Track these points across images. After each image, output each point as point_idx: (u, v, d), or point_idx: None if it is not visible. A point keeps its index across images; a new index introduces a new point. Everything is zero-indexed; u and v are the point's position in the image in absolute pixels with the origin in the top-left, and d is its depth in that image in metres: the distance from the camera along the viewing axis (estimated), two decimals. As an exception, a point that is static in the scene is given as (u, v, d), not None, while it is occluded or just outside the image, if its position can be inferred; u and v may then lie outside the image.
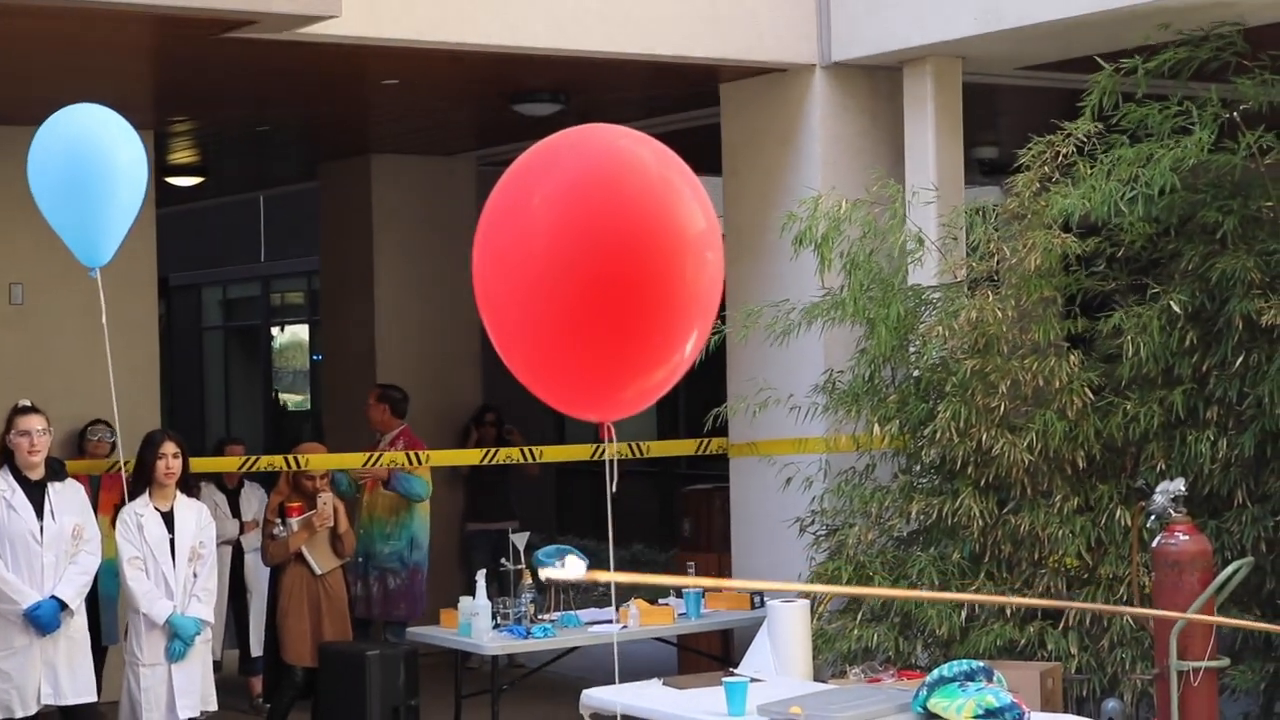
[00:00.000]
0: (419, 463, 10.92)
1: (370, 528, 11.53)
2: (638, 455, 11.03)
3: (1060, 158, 8.91)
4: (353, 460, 11.14)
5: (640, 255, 4.28)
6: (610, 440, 4.58)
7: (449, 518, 13.70)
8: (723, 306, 10.43)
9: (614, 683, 7.56)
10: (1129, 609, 7.98)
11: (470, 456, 11.52)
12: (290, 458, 10.16)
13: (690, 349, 4.47)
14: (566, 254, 4.26)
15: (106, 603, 10.54)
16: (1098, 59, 8.79)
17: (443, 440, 13.48)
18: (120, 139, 7.69)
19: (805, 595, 8.88)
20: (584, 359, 4.38)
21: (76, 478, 9.16)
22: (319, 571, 10.30)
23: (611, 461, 4.75)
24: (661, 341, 4.41)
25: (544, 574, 4.69)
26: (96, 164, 7.56)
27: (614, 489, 4.73)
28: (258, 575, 11.67)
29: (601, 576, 4.26)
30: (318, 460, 10.36)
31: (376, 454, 10.93)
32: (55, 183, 7.62)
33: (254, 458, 10.47)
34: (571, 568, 4.30)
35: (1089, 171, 8.77)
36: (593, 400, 4.55)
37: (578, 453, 11.76)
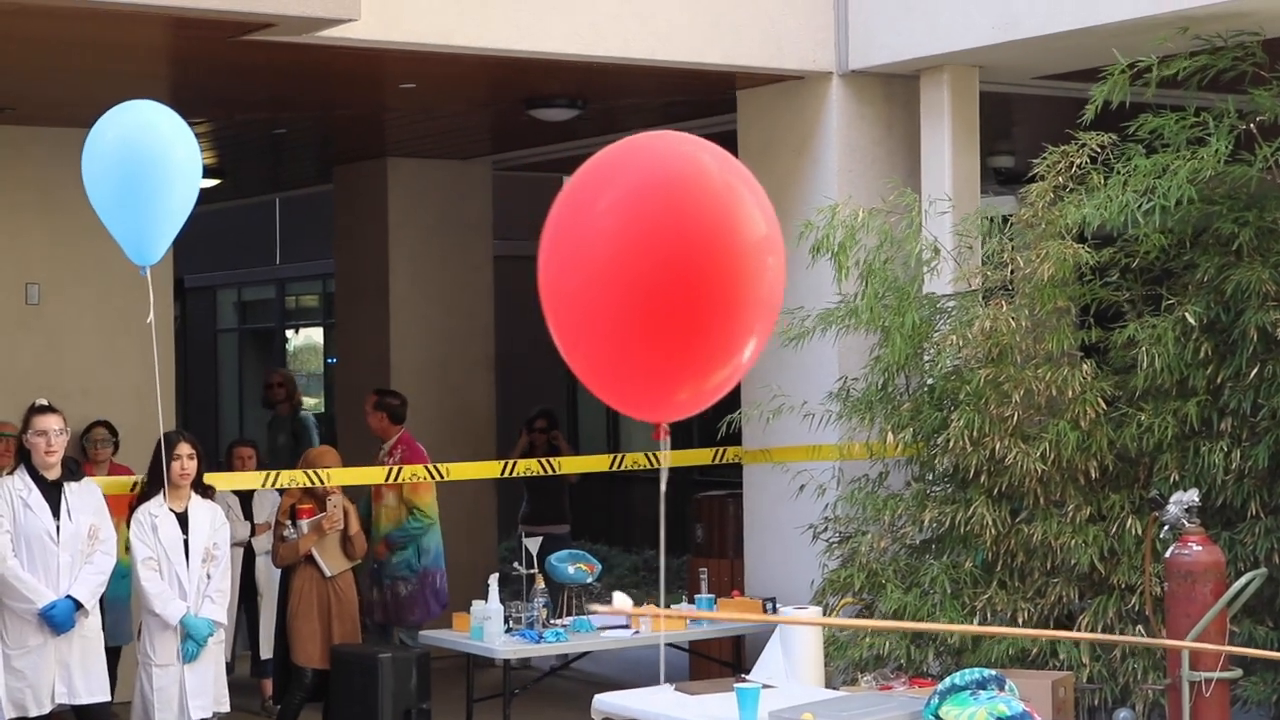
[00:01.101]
0: (440, 476, 10.89)
1: (377, 536, 11.51)
2: (653, 465, 11.04)
3: (1074, 168, 8.91)
4: (372, 475, 11.10)
5: (702, 260, 4.35)
6: (666, 439, 4.64)
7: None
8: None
9: (636, 685, 7.57)
10: (1129, 639, 7.98)
11: (489, 469, 11.51)
12: (309, 472, 10.14)
13: (749, 354, 4.53)
14: (630, 257, 4.33)
15: (111, 603, 10.56)
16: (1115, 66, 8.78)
17: (458, 443, 13.49)
18: (174, 137, 7.63)
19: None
20: (643, 360, 4.46)
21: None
22: (329, 573, 10.32)
23: (664, 463, 4.81)
24: (720, 345, 4.48)
25: (592, 609, 4.76)
26: (150, 163, 7.48)
27: (663, 488, 4.80)
28: (269, 577, 11.68)
29: (650, 612, 4.31)
30: (338, 475, 10.36)
31: (396, 468, 10.89)
32: (107, 181, 7.54)
33: (274, 472, 10.46)
34: (619, 601, 4.35)
35: (1103, 182, 8.77)
36: (650, 401, 4.61)
37: (596, 463, 11.77)
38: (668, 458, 4.70)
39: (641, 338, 4.39)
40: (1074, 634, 8.41)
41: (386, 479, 10.96)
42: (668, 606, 10.39)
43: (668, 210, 4.36)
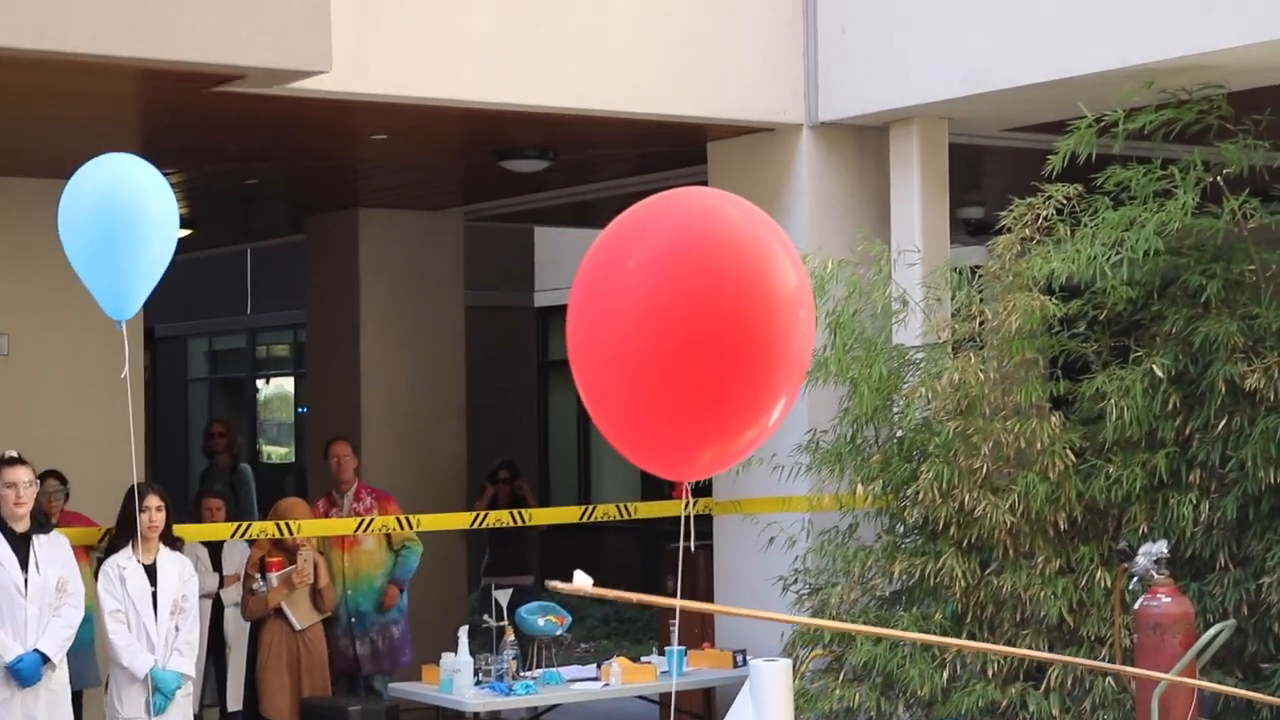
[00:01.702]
0: (410, 526, 10.87)
1: (357, 585, 11.41)
2: (625, 516, 11.04)
3: (1040, 220, 8.95)
4: (341, 526, 11.05)
5: (732, 317, 4.33)
6: (687, 498, 4.65)
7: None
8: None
9: None
10: (1115, 667, 7.98)
11: (460, 520, 11.49)
12: (280, 524, 10.10)
13: (775, 418, 4.53)
14: (658, 318, 4.32)
15: (75, 647, 10.48)
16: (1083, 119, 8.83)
17: (428, 493, 13.46)
18: (151, 190, 7.61)
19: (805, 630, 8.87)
20: (671, 420, 4.44)
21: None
22: (299, 627, 10.28)
23: (688, 518, 4.80)
24: (749, 407, 4.46)
25: (551, 585, 4.78)
26: (129, 216, 7.46)
27: (692, 546, 4.79)
28: (238, 629, 11.61)
29: (609, 594, 4.33)
30: (308, 526, 10.32)
31: (366, 519, 10.84)
32: (86, 235, 7.51)
33: (244, 524, 10.42)
34: (579, 580, 4.37)
35: (1070, 234, 8.81)
36: (674, 461, 4.60)
37: (566, 515, 11.77)
38: (691, 517, 4.69)
39: (669, 398, 4.37)
40: (1057, 656, 8.40)
41: (356, 530, 10.91)
42: (636, 660, 10.37)
43: (696, 269, 4.33)
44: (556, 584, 4.65)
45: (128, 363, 7.94)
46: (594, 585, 4.56)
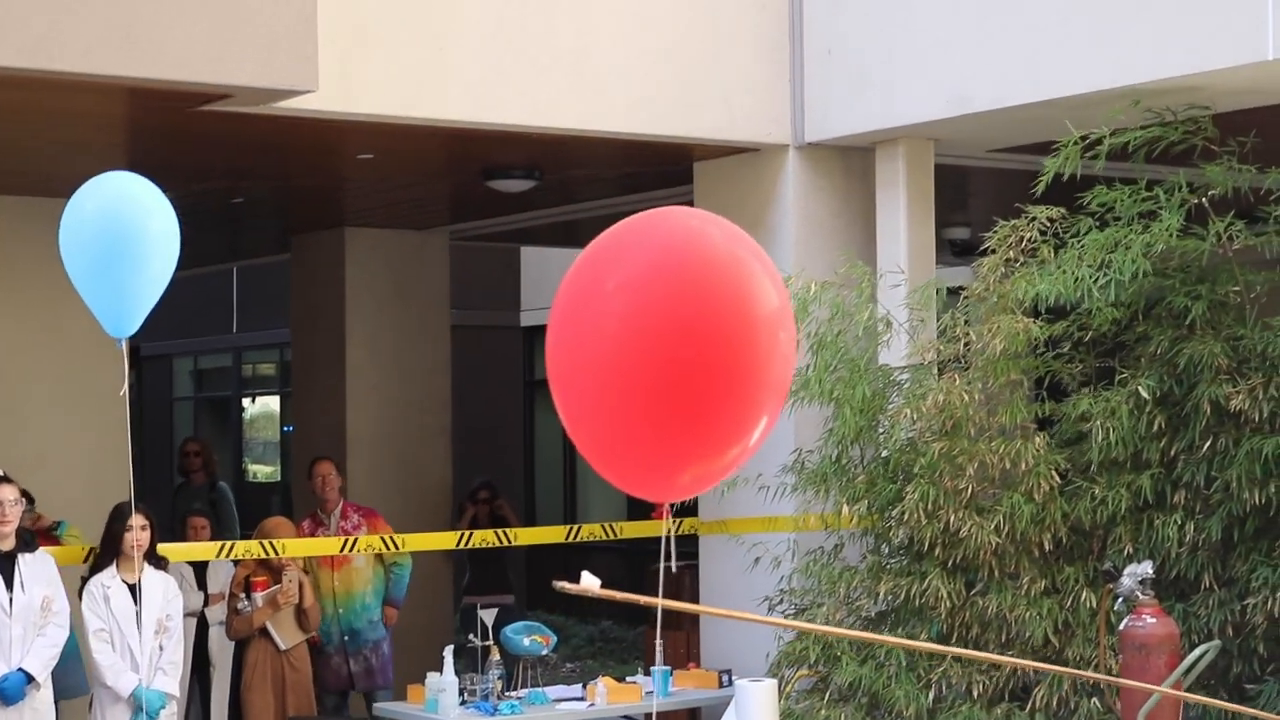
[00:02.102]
0: (396, 547, 10.87)
1: (349, 604, 11.42)
2: (610, 537, 11.03)
3: (1024, 242, 8.97)
4: (326, 546, 11.04)
5: (713, 338, 4.30)
6: (668, 519, 4.65)
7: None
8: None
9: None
10: (1109, 678, 7.99)
11: (445, 540, 11.48)
12: (266, 543, 10.09)
13: (757, 436, 4.50)
14: (638, 339, 4.30)
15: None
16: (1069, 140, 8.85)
17: (414, 513, 13.46)
18: (152, 208, 7.62)
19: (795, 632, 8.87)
20: (650, 442, 4.41)
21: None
22: (284, 646, 10.27)
23: (669, 538, 4.79)
24: (729, 427, 4.44)
25: (559, 586, 4.79)
26: (128, 234, 7.46)
27: (674, 567, 4.77)
28: (222, 648, 11.60)
29: (618, 596, 4.34)
30: (293, 546, 10.31)
31: (351, 539, 10.83)
32: (85, 252, 7.51)
33: (229, 544, 10.40)
34: (586, 580, 4.38)
35: (1054, 255, 8.83)
36: (654, 482, 4.58)
37: (551, 534, 11.76)
38: (672, 538, 4.69)
39: (647, 420, 4.35)
40: (1052, 667, 8.40)
41: (342, 550, 10.90)
42: (621, 680, 10.36)
43: (676, 290, 4.31)
44: (564, 584, 4.66)
45: (126, 380, 7.92)
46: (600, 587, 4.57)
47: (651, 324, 4.29)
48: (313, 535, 11.25)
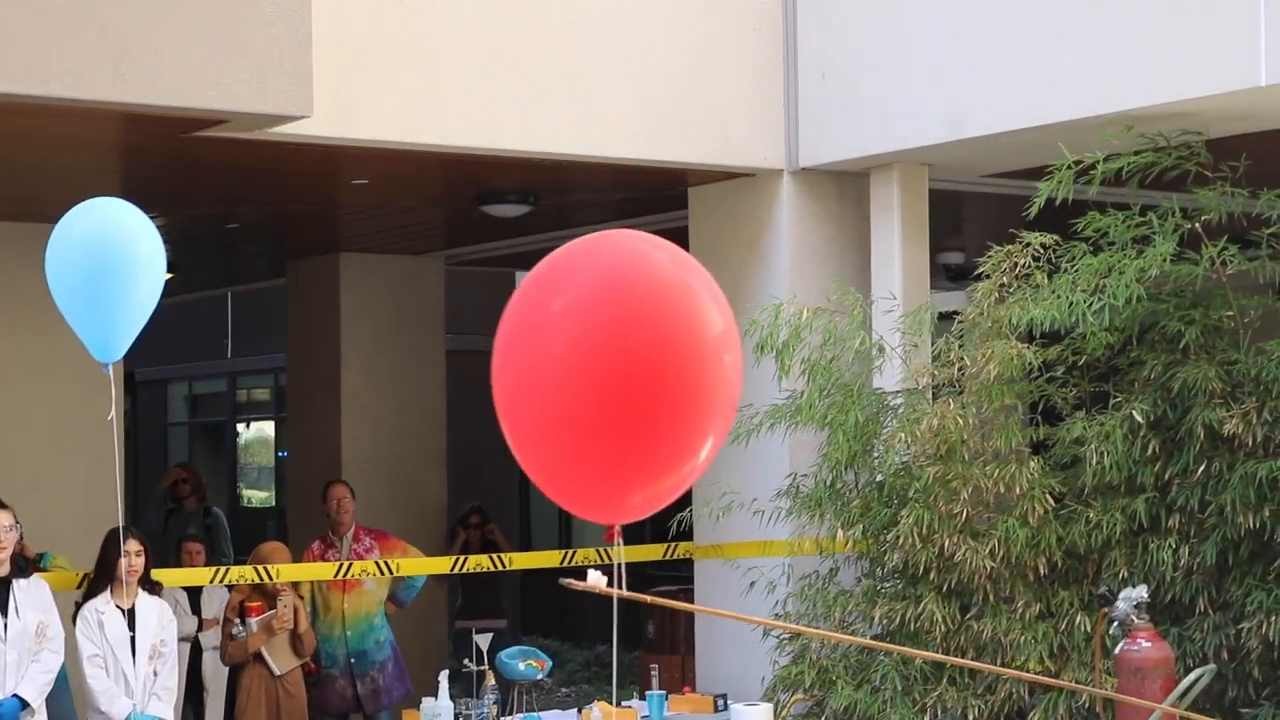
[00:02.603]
0: (390, 572, 10.88)
1: (357, 626, 11.43)
2: (607, 561, 11.00)
3: (1018, 267, 8.98)
4: (321, 571, 11.05)
5: (659, 360, 4.30)
6: (618, 543, 4.63)
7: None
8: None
9: None
10: (1112, 694, 7.98)
11: (439, 565, 11.49)
12: (261, 568, 10.08)
13: (705, 455, 4.48)
14: (584, 361, 4.29)
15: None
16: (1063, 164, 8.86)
17: (409, 538, 13.43)
18: (139, 234, 7.64)
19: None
20: (599, 464, 4.41)
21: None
22: (278, 672, 10.25)
23: (620, 565, 4.77)
24: (675, 450, 4.43)
25: (564, 582, 4.81)
26: (115, 260, 7.48)
27: (623, 590, 4.77)
28: (215, 673, 11.59)
29: (621, 594, 4.35)
30: (288, 571, 10.30)
31: (346, 564, 10.83)
32: (72, 278, 7.53)
33: (224, 569, 10.39)
34: (593, 578, 4.39)
35: (1048, 281, 8.84)
36: (603, 504, 4.57)
37: (546, 559, 11.75)
38: (621, 558, 4.68)
39: (595, 443, 4.35)
40: (1058, 681, 8.39)
41: (335, 575, 10.90)
42: (617, 705, 10.35)
43: (623, 312, 4.32)
44: (571, 581, 4.68)
45: (114, 405, 7.92)
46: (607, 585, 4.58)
47: (596, 347, 4.28)
48: (323, 557, 11.31)
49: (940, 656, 8.62)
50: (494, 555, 11.25)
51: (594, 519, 4.62)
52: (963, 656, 8.86)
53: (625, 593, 4.61)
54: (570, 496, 4.60)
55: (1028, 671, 8.71)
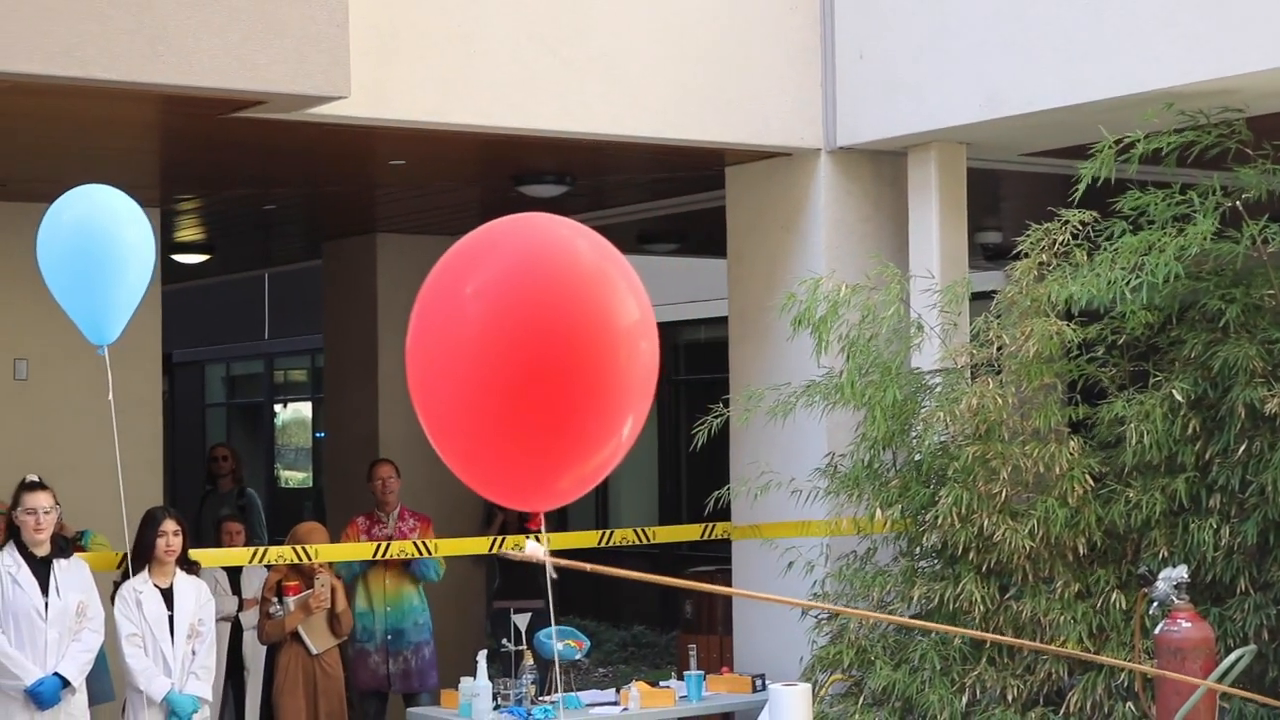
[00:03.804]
0: (429, 552, 10.90)
1: (398, 604, 11.48)
2: (644, 541, 11.03)
3: (1056, 245, 8.94)
4: (359, 551, 11.09)
5: (573, 346, 4.25)
6: (542, 532, 4.64)
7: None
8: (725, 389, 10.53)
9: None
10: (1155, 670, 7.95)
11: (476, 545, 11.51)
12: (299, 548, 10.11)
13: (626, 435, 4.43)
14: (498, 345, 4.22)
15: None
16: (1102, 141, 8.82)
17: (446, 518, 13.46)
18: (127, 218, 7.76)
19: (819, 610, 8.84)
20: (518, 451, 4.35)
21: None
22: (315, 651, 10.28)
23: (547, 552, 4.74)
24: (595, 432, 4.37)
25: (501, 552, 4.84)
26: (104, 243, 7.62)
27: (554, 576, 4.76)
28: (256, 653, 11.63)
29: (562, 563, 4.35)
30: (326, 551, 10.34)
31: (385, 543, 10.88)
32: (63, 262, 7.68)
33: (262, 549, 10.42)
34: (531, 550, 4.39)
35: (1087, 259, 8.81)
36: (529, 491, 4.53)
37: (583, 539, 11.76)
38: (547, 545, 4.65)
39: (513, 429, 4.29)
40: (1105, 659, 8.38)
41: (374, 555, 10.93)
42: (655, 685, 10.35)
43: (536, 296, 4.25)
44: (510, 552, 4.71)
45: (110, 389, 8.05)
46: (550, 557, 4.57)
47: (509, 333, 4.22)
48: (369, 534, 11.36)
49: (978, 634, 8.61)
50: (533, 535, 11.24)
51: (522, 507, 4.59)
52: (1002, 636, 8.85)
53: (559, 560, 4.60)
54: (492, 486, 4.57)
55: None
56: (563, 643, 10.20)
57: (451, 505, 13.85)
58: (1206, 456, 8.73)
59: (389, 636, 11.41)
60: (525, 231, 4.42)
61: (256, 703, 11.54)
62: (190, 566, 9.25)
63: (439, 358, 4.32)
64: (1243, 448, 8.57)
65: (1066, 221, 8.92)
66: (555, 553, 4.82)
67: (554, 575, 4.83)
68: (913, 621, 8.72)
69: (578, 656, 10.25)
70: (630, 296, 4.38)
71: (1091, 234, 8.90)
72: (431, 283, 4.42)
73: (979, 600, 8.78)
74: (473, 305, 4.27)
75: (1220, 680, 7.55)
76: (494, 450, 4.38)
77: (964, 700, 8.77)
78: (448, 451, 4.47)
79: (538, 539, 4.48)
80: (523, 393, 4.23)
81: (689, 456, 9.99)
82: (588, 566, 4.91)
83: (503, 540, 10.98)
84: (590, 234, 4.47)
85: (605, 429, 4.38)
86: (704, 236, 12.68)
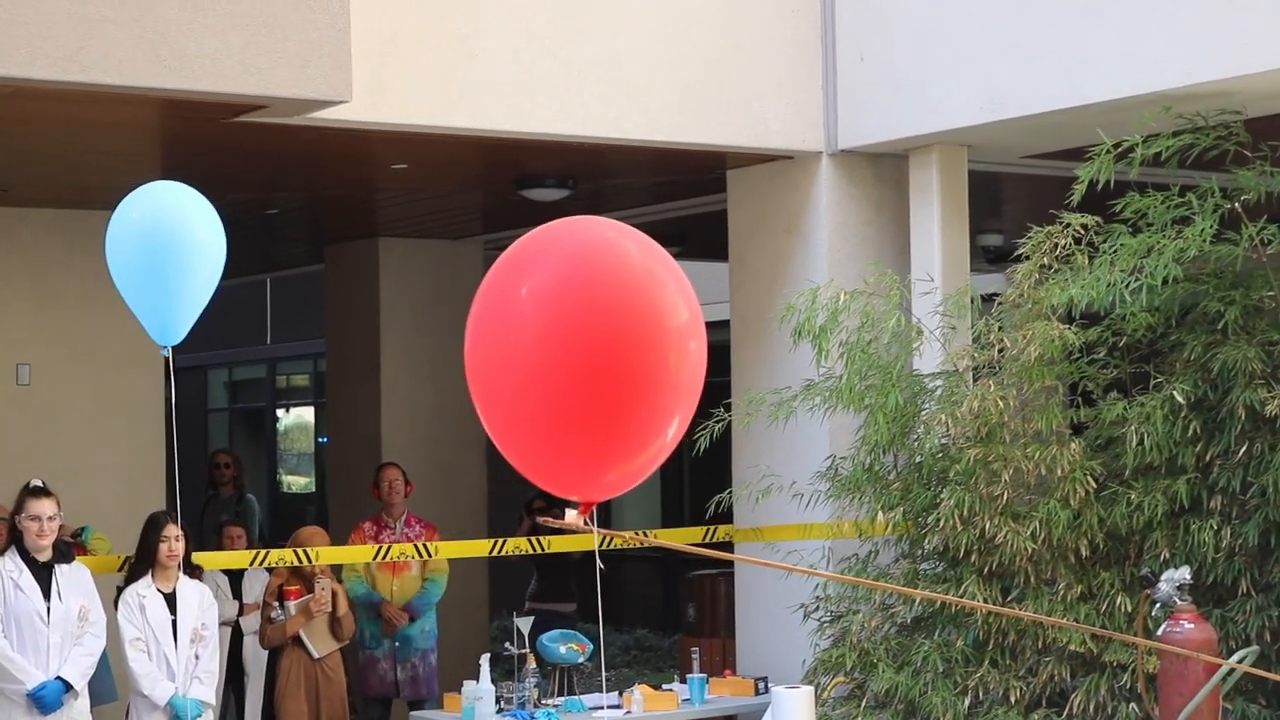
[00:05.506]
0: (429, 555, 10.91)
1: (405, 611, 11.53)
2: (642, 544, 11.03)
3: (1058, 249, 8.95)
4: (361, 554, 11.10)
5: (625, 348, 4.42)
6: (591, 521, 4.72)
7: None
8: (727, 393, 10.53)
9: None
10: (1167, 646, 7.95)
11: (478, 548, 11.52)
12: (299, 551, 10.12)
13: (671, 435, 4.61)
14: (555, 347, 4.40)
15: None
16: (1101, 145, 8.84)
17: (450, 522, 13.47)
18: (199, 216, 7.68)
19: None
20: (572, 446, 4.53)
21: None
22: (316, 655, 10.29)
23: (600, 542, 4.88)
24: (644, 429, 4.55)
25: (540, 519, 4.95)
26: (176, 242, 7.52)
27: (602, 567, 4.99)
28: (256, 656, 11.64)
29: (603, 532, 4.45)
30: (328, 554, 10.35)
31: (386, 546, 10.89)
32: (133, 261, 7.56)
33: (263, 552, 10.43)
34: (570, 516, 4.52)
35: (1087, 262, 8.82)
36: (579, 483, 4.68)
37: (582, 542, 11.76)
38: (596, 534, 4.83)
39: (568, 425, 4.47)
40: (1120, 635, 8.38)
41: (374, 558, 10.95)
42: (657, 688, 10.35)
43: (590, 300, 4.42)
44: (549, 519, 4.82)
45: (170, 389, 8.00)
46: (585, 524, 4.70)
47: (563, 333, 4.40)
48: (376, 538, 11.38)
49: (995, 608, 8.61)
50: (531, 539, 11.24)
51: (571, 497, 4.73)
52: (1004, 639, 8.86)
53: (605, 530, 4.71)
54: (546, 478, 4.72)
55: (1068, 653, 8.70)
56: (565, 646, 10.20)
57: (453, 509, 13.90)
58: (1207, 458, 8.74)
59: (397, 644, 11.43)
60: (576, 235, 4.63)
61: (257, 707, 11.55)
62: (193, 571, 9.26)
63: (498, 360, 4.52)
64: (1243, 449, 8.58)
65: (1067, 225, 8.93)
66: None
67: (602, 567, 4.95)
68: (933, 595, 8.73)
69: (580, 660, 10.26)
70: (679, 298, 4.54)
71: (1093, 238, 8.91)
72: (488, 287, 4.60)
73: (981, 602, 8.77)
74: (529, 309, 4.46)
75: (1223, 682, 7.55)
76: (549, 446, 4.58)
77: (966, 702, 8.77)
78: (506, 445, 4.66)
79: (579, 516, 4.62)
80: (577, 393, 4.42)
81: (691, 460, 9.98)
82: (628, 534, 5.00)
83: (503, 544, 10.98)
84: (638, 235, 4.63)
85: (653, 426, 4.56)
86: (706, 240, 12.68)
